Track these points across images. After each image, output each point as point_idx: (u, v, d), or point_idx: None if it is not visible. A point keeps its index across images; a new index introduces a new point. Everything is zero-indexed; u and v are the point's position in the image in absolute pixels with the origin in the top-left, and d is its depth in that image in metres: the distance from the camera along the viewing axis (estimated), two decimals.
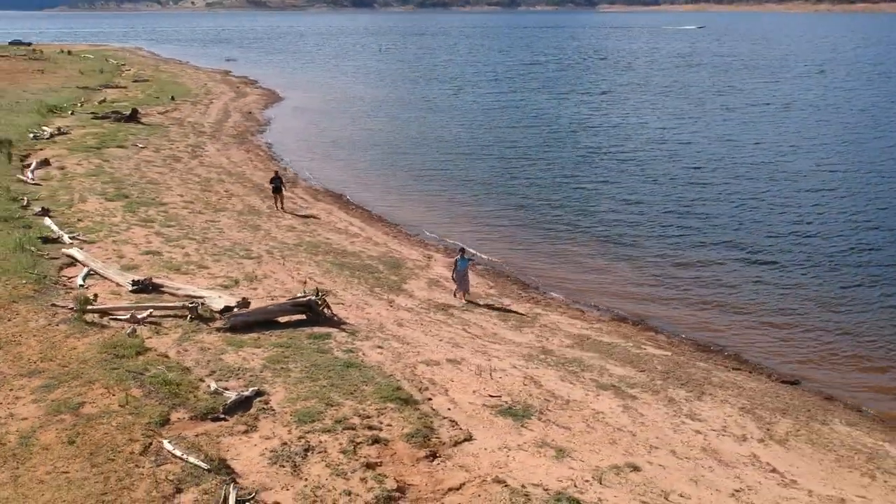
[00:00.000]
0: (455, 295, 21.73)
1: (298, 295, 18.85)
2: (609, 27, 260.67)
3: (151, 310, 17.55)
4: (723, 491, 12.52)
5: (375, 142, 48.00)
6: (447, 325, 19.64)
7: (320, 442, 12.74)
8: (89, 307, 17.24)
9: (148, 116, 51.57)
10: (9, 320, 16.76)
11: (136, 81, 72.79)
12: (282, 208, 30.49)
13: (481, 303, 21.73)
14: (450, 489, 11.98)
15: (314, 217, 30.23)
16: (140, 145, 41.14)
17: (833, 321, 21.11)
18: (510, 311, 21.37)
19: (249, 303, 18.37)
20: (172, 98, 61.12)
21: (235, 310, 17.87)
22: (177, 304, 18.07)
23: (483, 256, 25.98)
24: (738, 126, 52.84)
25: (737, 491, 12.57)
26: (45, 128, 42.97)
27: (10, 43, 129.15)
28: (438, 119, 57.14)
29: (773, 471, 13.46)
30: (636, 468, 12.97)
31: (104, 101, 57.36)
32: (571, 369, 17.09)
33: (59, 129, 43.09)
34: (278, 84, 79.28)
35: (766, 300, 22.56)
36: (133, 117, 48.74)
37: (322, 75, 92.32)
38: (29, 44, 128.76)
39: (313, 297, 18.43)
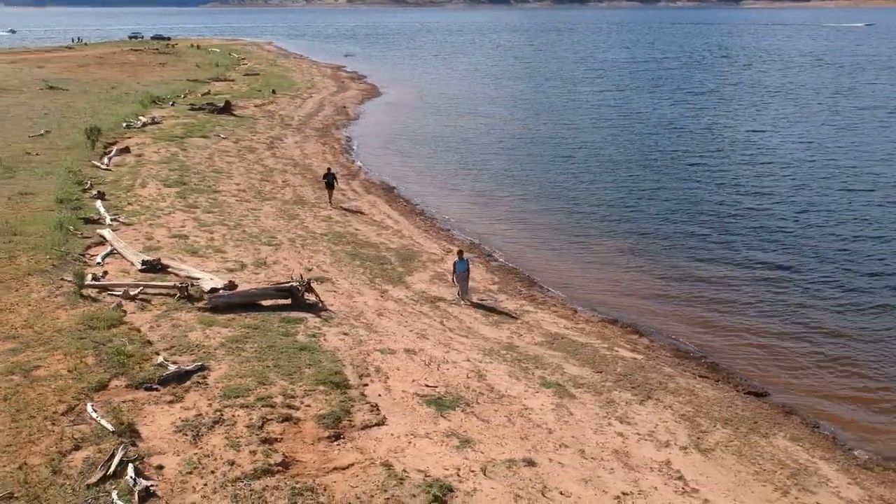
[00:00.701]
0: (459, 297, 21.84)
1: (282, 281, 19.87)
2: (755, 24, 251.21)
3: (142, 287, 18.99)
4: (609, 493, 12.57)
5: (452, 138, 48.73)
6: (427, 317, 20.18)
7: (233, 416, 13.65)
8: (88, 283, 18.85)
9: (242, 109, 54.35)
10: (16, 290, 18.59)
11: (246, 75, 76.57)
12: (329, 202, 31.50)
13: (475, 298, 22.07)
14: (335, 468, 12.60)
15: (357, 208, 31.34)
16: (222, 136, 43.57)
17: (841, 345, 19.79)
18: (498, 306, 21.65)
19: (236, 286, 19.52)
20: (273, 91, 64.05)
21: (221, 291, 19.06)
22: (168, 283, 19.44)
23: (495, 255, 26.33)
24: (835, 130, 50.27)
25: (624, 494, 12.59)
26: (141, 117, 46.18)
27: (153, 37, 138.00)
28: (525, 117, 57.34)
29: (680, 478, 13.32)
30: (532, 464, 13.19)
31: (208, 93, 60.84)
32: (525, 366, 17.31)
33: (153, 118, 46.21)
34: (383, 79, 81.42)
35: (780, 320, 21.33)
36: (226, 109, 51.52)
37: (430, 71, 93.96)
38: (168, 38, 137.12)
39: (295, 284, 19.40)
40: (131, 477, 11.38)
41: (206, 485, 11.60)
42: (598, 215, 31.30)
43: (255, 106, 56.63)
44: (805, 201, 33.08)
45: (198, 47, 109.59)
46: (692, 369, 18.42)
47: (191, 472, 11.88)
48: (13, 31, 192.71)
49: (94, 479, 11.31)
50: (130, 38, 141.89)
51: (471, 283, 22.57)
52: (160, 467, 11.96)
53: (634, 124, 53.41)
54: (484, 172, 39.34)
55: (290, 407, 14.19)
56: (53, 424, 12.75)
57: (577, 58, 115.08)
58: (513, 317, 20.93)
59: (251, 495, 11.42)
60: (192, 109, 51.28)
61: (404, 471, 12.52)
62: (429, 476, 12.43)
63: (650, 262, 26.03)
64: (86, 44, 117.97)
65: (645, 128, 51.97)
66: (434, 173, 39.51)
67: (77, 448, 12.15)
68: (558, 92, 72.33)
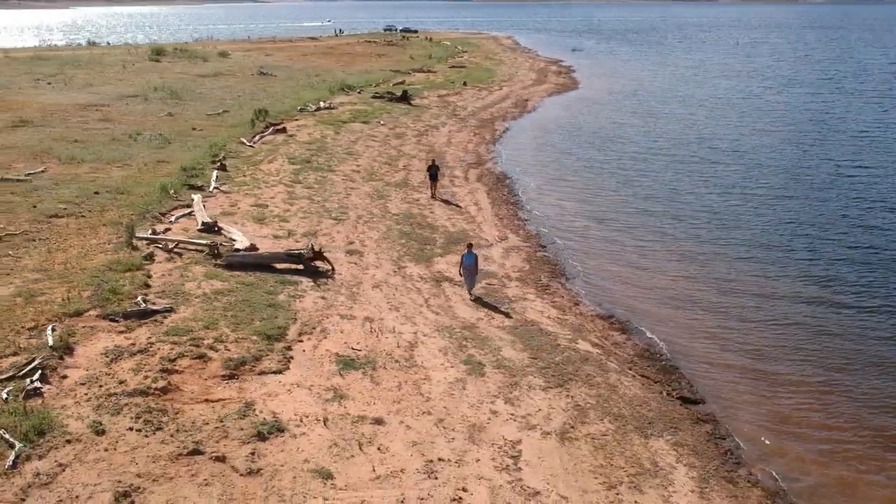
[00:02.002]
0: (469, 292, 22.03)
1: (292, 248, 22.30)
2: None
3: (178, 243, 22.25)
4: (426, 457, 13.55)
5: (608, 135, 48.45)
6: (417, 292, 21.62)
7: (157, 349, 16.20)
8: (138, 236, 22.42)
9: (423, 98, 57.74)
10: (83, 236, 22.59)
11: (452, 67, 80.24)
12: (433, 194, 32.56)
13: (482, 284, 22.73)
14: (205, 400, 14.73)
15: (452, 195, 32.94)
16: (381, 123, 47.00)
17: (834, 396, 17.79)
18: (497, 293, 22.43)
19: (257, 248, 22.23)
20: (464, 83, 66.94)
21: (241, 252, 21.85)
22: (203, 242, 22.54)
23: (547, 248, 26.95)
24: None
25: (440, 460, 13.50)
26: (321, 103, 50.90)
27: (401, 30, 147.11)
28: (701, 117, 55.32)
29: (514, 458, 13.87)
30: (380, 423, 14.46)
31: (402, 83, 64.92)
32: (463, 344, 18.27)
33: (330, 104, 50.77)
34: (589, 74, 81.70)
35: (790, 363, 19.20)
36: (403, 98, 55.12)
37: (646, 68, 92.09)
38: (415, 31, 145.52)
39: (303, 251, 21.73)
40: (30, 380, 14.26)
41: (85, 394, 14.23)
42: (689, 223, 30.12)
43: (438, 96, 59.80)
44: None
45: (429, 40, 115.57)
46: (639, 369, 18.36)
47: (83, 384, 14.56)
48: (330, 21, 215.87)
49: (3, 377, 14.33)
50: (385, 30, 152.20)
51: (495, 268, 23.64)
52: (64, 377, 14.77)
53: (816, 130, 49.80)
54: (609, 170, 39.20)
55: (211, 349, 16.48)
56: (16, 335, 16.03)
57: (819, 57, 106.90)
58: (503, 301, 21.72)
59: (110, 406, 13.87)
60: (374, 97, 55.39)
61: (258, 410, 14.36)
62: (275, 417, 14.18)
63: (702, 273, 24.80)
64: (336, 35, 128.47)
65: (823, 134, 48.32)
66: (559, 167, 40.06)
67: (15, 354, 15.28)
68: (762, 93, 68.48)
